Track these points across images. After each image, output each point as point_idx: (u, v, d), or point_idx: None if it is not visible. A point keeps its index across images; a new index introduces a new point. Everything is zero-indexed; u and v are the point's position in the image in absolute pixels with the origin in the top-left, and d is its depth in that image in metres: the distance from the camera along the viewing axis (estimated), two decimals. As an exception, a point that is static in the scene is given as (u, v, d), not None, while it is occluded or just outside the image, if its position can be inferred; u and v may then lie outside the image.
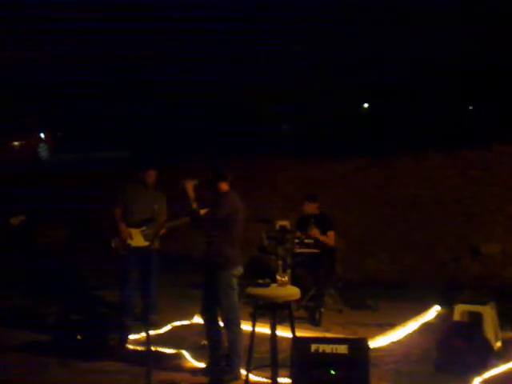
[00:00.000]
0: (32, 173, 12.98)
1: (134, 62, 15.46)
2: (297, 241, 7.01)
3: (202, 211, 5.13)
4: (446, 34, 13.64)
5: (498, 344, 5.67)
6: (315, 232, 7.06)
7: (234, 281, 5.12)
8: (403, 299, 7.44)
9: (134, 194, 6.46)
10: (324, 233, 7.15)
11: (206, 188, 5.19)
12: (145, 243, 6.30)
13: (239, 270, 5.18)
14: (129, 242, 6.31)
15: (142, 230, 6.34)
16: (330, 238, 7.19)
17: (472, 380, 4.89)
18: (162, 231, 6.17)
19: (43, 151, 16.37)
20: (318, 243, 7.06)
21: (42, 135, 16.50)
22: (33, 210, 9.19)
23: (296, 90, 15.07)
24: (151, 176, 6.49)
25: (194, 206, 5.15)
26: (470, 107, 15.65)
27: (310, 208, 7.28)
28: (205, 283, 5.25)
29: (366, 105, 17.89)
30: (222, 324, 5.21)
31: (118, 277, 6.51)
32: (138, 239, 6.33)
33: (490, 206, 9.03)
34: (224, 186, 5.16)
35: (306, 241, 7.08)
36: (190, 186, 5.17)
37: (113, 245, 6.39)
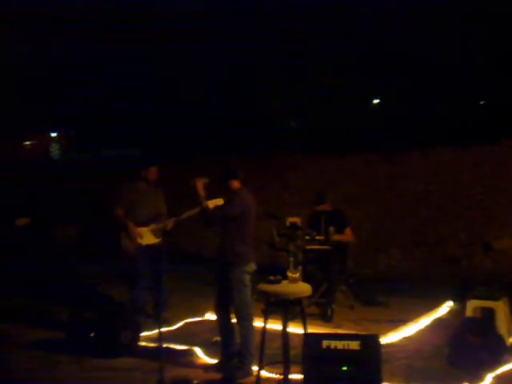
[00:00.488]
0: (42, 172, 13.06)
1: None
2: (307, 237, 7.00)
3: (211, 203, 5.13)
4: (454, 29, 13.57)
5: (511, 339, 5.65)
6: (332, 234, 7.05)
7: (247, 277, 5.12)
8: (415, 295, 7.43)
9: (136, 193, 6.38)
10: (340, 230, 7.15)
11: (218, 186, 5.21)
12: (156, 240, 6.32)
13: (252, 267, 5.18)
14: (139, 241, 6.29)
15: (151, 228, 6.33)
16: (348, 235, 7.19)
17: (485, 376, 4.86)
18: (170, 225, 6.22)
19: (55, 151, 16.50)
20: (330, 240, 7.05)
21: (54, 134, 16.61)
22: (39, 211, 9.20)
23: (305, 86, 15.05)
24: (153, 173, 6.41)
25: (205, 204, 5.17)
26: (481, 102, 15.54)
27: (321, 208, 7.28)
28: (218, 280, 5.26)
29: (375, 101, 17.81)
30: (234, 320, 5.22)
31: (129, 275, 6.52)
32: (148, 237, 6.33)
33: (502, 201, 8.98)
34: (236, 184, 5.17)
35: (317, 237, 7.08)
36: (200, 184, 5.18)
37: (122, 246, 6.36)
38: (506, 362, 5.09)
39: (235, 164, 5.29)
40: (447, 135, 11.36)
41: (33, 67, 15.37)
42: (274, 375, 4.91)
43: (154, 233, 6.33)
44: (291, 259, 5.97)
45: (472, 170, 9.53)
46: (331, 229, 7.08)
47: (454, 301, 6.95)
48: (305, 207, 8.52)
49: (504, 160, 9.41)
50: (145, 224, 6.33)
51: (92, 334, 5.55)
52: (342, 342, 4.52)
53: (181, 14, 13.80)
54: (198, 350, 5.62)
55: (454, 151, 9.91)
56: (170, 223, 6.28)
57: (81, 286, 7.61)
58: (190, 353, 5.62)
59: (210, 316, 6.42)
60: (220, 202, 5.27)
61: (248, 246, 5.15)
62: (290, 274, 4.76)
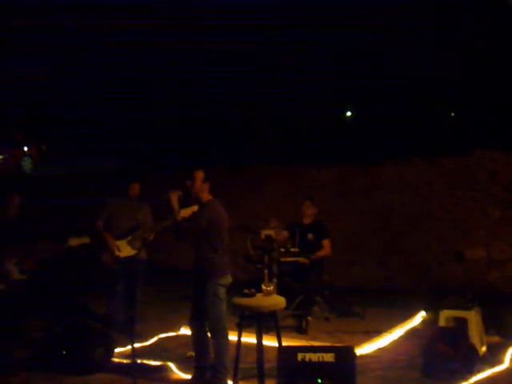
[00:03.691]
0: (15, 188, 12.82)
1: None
2: (282, 250, 7.03)
3: (185, 212, 5.11)
4: (428, 41, 13.83)
5: (483, 349, 5.71)
6: (312, 240, 7.12)
7: (222, 290, 5.08)
8: (389, 305, 7.48)
9: (119, 208, 6.54)
10: (318, 240, 7.19)
11: (188, 198, 5.19)
12: (133, 252, 6.36)
13: (227, 280, 5.14)
14: (117, 254, 6.37)
15: (128, 240, 6.38)
16: (325, 248, 7.25)
17: (458, 385, 4.91)
18: (150, 237, 6.26)
19: (27, 165, 16.25)
20: (306, 252, 7.10)
21: (26, 148, 16.37)
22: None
23: (281, 99, 15.16)
24: (134, 188, 6.61)
25: (179, 217, 5.14)
26: (452, 114, 15.85)
27: (310, 210, 7.30)
28: (193, 293, 5.23)
29: (348, 113, 18.03)
30: (209, 334, 5.19)
31: (105, 289, 6.50)
32: (125, 250, 6.42)
33: (474, 211, 9.10)
34: (205, 196, 5.16)
35: (292, 249, 7.11)
36: (174, 197, 5.16)
37: (103, 259, 6.41)
38: (478, 371, 5.15)
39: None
40: (420, 147, 11.52)
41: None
42: (249, 389, 4.89)
43: (132, 244, 6.36)
44: (266, 272, 5.99)
45: (445, 180, 9.64)
46: (310, 236, 7.15)
47: (427, 311, 7.02)
48: (280, 219, 8.52)
49: (476, 170, 9.54)
50: (123, 237, 6.42)
51: (65, 352, 5.47)
52: (317, 355, 4.53)
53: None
54: (172, 366, 5.56)
55: (427, 163, 10.02)
56: (148, 234, 6.29)
57: (54, 300, 7.49)
58: (164, 368, 5.56)
59: (185, 331, 6.37)
60: (195, 208, 5.25)
61: (223, 257, 5.12)
62: (264, 287, 4.76)
